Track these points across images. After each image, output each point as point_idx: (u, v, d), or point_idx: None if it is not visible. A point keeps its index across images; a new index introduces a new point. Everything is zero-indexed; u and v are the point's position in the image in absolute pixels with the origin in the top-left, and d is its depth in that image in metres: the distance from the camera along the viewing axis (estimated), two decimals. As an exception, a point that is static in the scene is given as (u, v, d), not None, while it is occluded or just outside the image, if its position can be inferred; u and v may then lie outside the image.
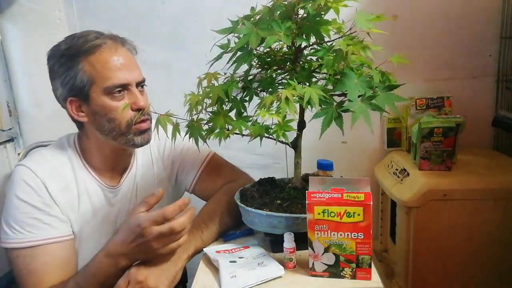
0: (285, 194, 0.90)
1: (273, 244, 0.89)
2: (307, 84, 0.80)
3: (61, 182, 0.96)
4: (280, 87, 0.85)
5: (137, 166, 1.09)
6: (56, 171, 0.97)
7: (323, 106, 0.77)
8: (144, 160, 1.11)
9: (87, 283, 0.87)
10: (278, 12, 0.78)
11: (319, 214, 0.75)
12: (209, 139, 0.83)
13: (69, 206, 0.97)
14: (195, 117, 0.83)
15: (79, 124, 1.00)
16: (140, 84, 0.99)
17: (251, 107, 0.85)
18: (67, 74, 0.92)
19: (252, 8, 0.82)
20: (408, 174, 1.26)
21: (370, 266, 0.76)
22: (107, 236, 1.04)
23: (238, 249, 0.90)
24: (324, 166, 1.00)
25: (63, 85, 0.94)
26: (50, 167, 0.96)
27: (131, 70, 0.96)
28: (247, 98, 0.88)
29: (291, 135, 0.85)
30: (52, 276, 0.91)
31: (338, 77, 0.80)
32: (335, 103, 0.78)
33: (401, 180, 1.27)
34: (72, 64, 0.92)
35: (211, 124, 0.82)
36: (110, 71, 0.92)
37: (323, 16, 0.78)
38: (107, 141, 0.98)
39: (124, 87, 0.94)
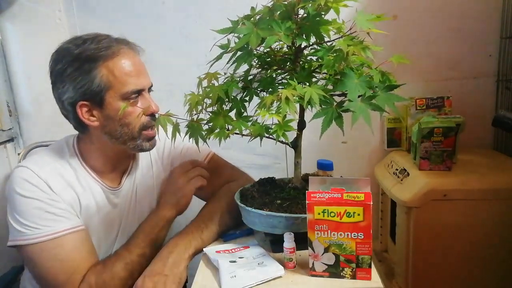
0: (285, 194, 0.90)
1: (273, 244, 0.89)
2: (307, 84, 0.80)
3: (63, 182, 0.96)
4: (280, 87, 0.85)
5: (136, 168, 1.09)
6: (57, 172, 0.96)
7: (323, 106, 0.77)
8: (144, 161, 1.11)
9: (138, 246, 0.96)
10: (278, 12, 0.77)
11: (319, 214, 0.75)
12: (209, 139, 0.83)
13: (73, 204, 0.96)
14: (195, 117, 0.83)
15: (83, 128, 0.98)
16: (150, 88, 1.00)
17: (251, 107, 0.85)
18: (83, 78, 0.91)
19: (252, 8, 0.82)
20: (408, 174, 1.26)
21: (370, 266, 0.76)
22: (109, 238, 1.03)
23: (238, 249, 0.90)
24: (324, 166, 1.00)
25: (76, 89, 0.92)
26: (51, 168, 0.96)
27: (144, 75, 0.97)
28: (247, 98, 0.88)
29: (291, 135, 0.85)
30: (85, 260, 0.92)
31: (338, 77, 0.80)
32: (335, 103, 0.77)
33: (401, 180, 1.27)
34: (89, 68, 0.90)
35: (211, 124, 0.82)
36: (128, 77, 0.93)
37: (323, 16, 0.78)
38: (115, 145, 0.97)
39: (139, 92, 0.95)
